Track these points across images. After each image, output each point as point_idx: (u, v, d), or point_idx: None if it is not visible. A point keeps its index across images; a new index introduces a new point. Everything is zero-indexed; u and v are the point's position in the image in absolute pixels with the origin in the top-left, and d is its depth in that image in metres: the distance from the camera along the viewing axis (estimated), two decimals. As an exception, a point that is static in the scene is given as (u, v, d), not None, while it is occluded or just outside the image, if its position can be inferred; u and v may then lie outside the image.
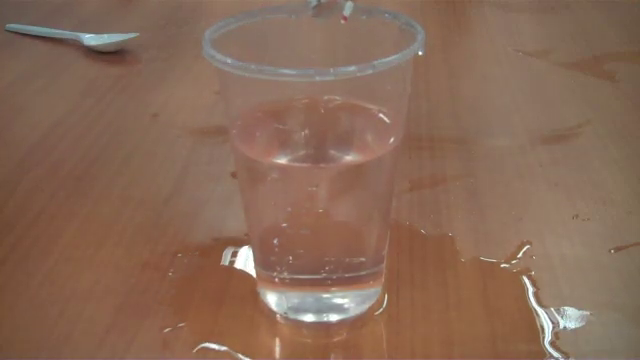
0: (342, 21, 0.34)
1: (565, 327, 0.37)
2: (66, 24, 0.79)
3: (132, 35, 0.73)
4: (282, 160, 0.33)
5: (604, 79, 0.66)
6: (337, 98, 0.35)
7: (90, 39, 0.74)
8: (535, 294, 0.39)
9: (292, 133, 0.35)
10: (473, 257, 0.42)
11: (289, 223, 0.34)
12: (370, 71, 0.29)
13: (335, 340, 0.36)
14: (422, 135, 0.56)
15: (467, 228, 0.45)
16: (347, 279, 0.37)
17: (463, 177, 0.50)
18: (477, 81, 0.66)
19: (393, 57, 0.30)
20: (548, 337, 0.36)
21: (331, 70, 0.29)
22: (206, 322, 0.38)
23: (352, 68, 0.29)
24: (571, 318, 0.37)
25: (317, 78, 0.29)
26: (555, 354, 0.35)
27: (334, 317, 0.37)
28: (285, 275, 0.37)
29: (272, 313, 0.38)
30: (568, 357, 0.35)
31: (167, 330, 0.37)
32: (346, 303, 0.38)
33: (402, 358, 0.35)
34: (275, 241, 0.36)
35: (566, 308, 0.38)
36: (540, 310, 0.38)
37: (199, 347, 0.36)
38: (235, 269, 0.41)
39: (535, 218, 0.46)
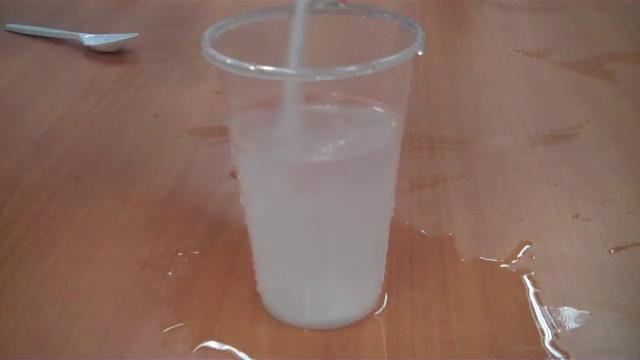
0: (341, 4, 0.34)
1: (565, 327, 0.37)
2: (66, 24, 0.79)
3: (132, 35, 0.73)
4: (281, 155, 0.33)
5: (604, 79, 0.66)
6: (337, 93, 0.35)
7: (90, 39, 0.74)
8: (535, 294, 0.39)
9: (291, 128, 0.35)
10: (473, 257, 0.42)
11: (289, 219, 0.34)
12: (370, 71, 0.29)
13: (335, 340, 0.36)
14: (422, 135, 0.56)
15: (467, 228, 0.45)
16: (347, 278, 0.37)
17: (463, 177, 0.50)
18: (477, 81, 0.66)
19: (393, 57, 0.30)
20: (548, 337, 0.36)
21: (331, 70, 0.29)
22: (206, 322, 0.38)
23: (352, 68, 0.29)
24: (571, 318, 0.37)
25: (317, 78, 0.29)
26: (555, 354, 0.35)
27: (334, 317, 0.37)
28: (285, 274, 0.37)
29: (272, 313, 0.38)
30: (568, 357, 0.35)
31: (167, 330, 0.37)
32: (346, 303, 0.38)
33: (402, 358, 0.35)
34: (275, 239, 0.36)
35: (566, 308, 0.38)
36: (540, 310, 0.38)
37: (199, 347, 0.36)
38: (235, 269, 0.41)
39: (535, 218, 0.46)
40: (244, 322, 0.38)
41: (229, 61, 0.30)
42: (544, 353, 0.35)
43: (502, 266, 0.41)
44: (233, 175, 0.50)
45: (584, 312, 0.38)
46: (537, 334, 0.36)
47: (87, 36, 0.74)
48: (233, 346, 0.36)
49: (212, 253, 0.43)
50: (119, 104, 0.62)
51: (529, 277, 0.40)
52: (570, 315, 0.38)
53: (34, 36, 0.78)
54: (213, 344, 0.36)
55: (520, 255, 0.42)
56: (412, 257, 0.42)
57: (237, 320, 0.38)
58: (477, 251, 0.43)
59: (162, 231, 0.45)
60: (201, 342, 0.36)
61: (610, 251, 0.42)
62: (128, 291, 0.40)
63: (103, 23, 0.81)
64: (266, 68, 0.29)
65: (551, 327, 0.37)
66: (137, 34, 0.74)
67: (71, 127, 0.58)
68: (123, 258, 0.43)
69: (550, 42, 0.75)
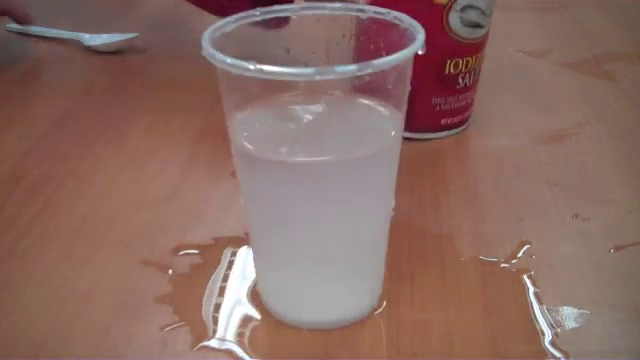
0: None
1: (565, 327, 0.37)
2: (66, 24, 0.79)
3: (132, 35, 0.73)
4: (281, 155, 0.33)
5: (604, 79, 0.66)
6: (337, 93, 0.35)
7: (90, 39, 0.74)
8: (535, 294, 0.39)
9: (291, 127, 0.35)
10: (473, 257, 0.42)
11: (289, 219, 0.34)
12: (370, 71, 0.29)
13: (335, 340, 0.36)
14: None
15: (467, 228, 0.45)
16: (347, 278, 0.37)
17: (463, 177, 0.50)
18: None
19: (393, 57, 0.30)
20: (548, 337, 0.36)
21: (331, 69, 0.29)
22: (206, 321, 0.38)
23: (352, 68, 0.29)
24: (571, 318, 0.37)
25: (317, 77, 0.29)
26: (555, 354, 0.35)
27: (334, 316, 0.37)
28: (285, 273, 0.37)
29: (272, 313, 0.38)
30: (568, 357, 0.35)
31: (167, 329, 0.37)
32: (346, 302, 0.38)
33: (402, 358, 0.35)
34: (275, 239, 0.36)
35: (566, 308, 0.38)
36: (540, 309, 0.38)
37: (199, 346, 0.36)
38: (235, 269, 0.41)
39: (535, 218, 0.46)
40: (244, 322, 0.38)
41: (229, 60, 0.30)
42: (544, 353, 0.35)
43: (502, 266, 0.41)
44: (233, 175, 0.50)
45: (584, 312, 0.38)
46: (537, 334, 0.36)
47: (87, 36, 0.74)
48: (233, 346, 0.36)
49: (212, 253, 0.43)
50: (119, 104, 0.62)
51: (529, 277, 0.40)
52: (570, 315, 0.38)
53: (34, 36, 0.78)
54: (213, 344, 0.36)
55: (520, 255, 0.42)
56: (412, 257, 0.42)
57: (237, 320, 0.38)
58: (477, 251, 0.43)
59: (162, 231, 0.45)
60: (201, 342, 0.36)
61: (610, 251, 0.42)
62: (128, 291, 0.40)
63: (103, 23, 0.81)
64: (266, 68, 0.29)
65: (551, 327, 0.37)
66: (137, 34, 0.74)
67: (71, 127, 0.58)
68: (123, 258, 0.43)
69: (550, 42, 0.75)
